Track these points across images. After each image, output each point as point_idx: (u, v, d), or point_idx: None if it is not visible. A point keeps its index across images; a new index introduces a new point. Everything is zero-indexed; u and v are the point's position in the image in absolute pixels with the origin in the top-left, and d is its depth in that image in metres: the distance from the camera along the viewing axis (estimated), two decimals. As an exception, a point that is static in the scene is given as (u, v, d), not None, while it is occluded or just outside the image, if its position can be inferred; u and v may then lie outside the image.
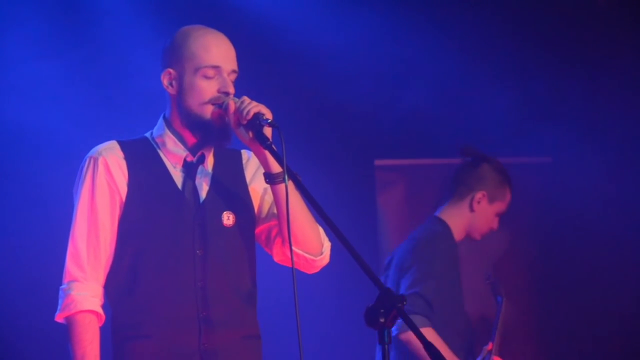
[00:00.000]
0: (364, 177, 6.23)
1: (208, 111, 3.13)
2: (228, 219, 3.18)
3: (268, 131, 3.03)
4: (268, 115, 3.02)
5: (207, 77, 3.13)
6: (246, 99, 3.06)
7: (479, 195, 4.60)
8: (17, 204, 5.34)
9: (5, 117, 5.40)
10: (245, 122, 3.03)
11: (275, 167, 3.09)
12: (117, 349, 3.14)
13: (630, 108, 6.08)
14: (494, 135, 6.14)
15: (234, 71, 3.17)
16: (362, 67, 6.02)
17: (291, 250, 3.01)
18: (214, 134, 3.14)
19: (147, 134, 3.26)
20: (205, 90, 3.13)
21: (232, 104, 3.07)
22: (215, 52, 3.14)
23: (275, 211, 3.21)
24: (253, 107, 3.02)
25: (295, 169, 2.97)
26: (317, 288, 5.04)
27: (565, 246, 6.22)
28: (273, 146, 3.02)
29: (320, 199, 2.85)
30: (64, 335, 3.13)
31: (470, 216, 4.61)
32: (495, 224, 4.67)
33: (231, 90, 3.13)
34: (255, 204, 3.25)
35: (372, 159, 6.28)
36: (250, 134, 3.04)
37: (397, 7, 6.02)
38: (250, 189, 3.25)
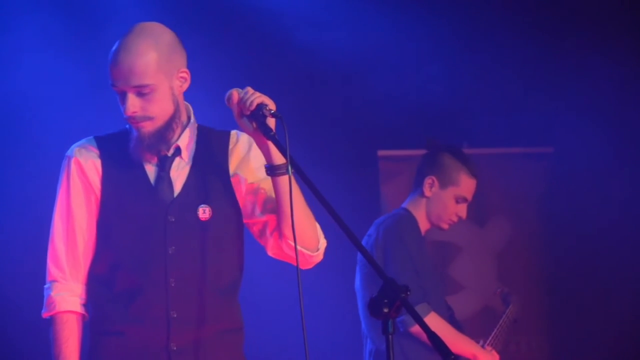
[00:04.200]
0: (367, 168, 6.24)
1: (134, 128, 3.10)
2: (204, 212, 3.12)
3: (271, 122, 3.00)
4: (271, 106, 2.99)
5: (120, 98, 3.07)
6: (250, 90, 3.03)
7: (428, 180, 4.62)
8: (20, 204, 5.35)
9: (12, 116, 5.43)
10: (248, 112, 2.99)
11: (278, 159, 3.06)
12: (92, 342, 3.15)
13: (633, 96, 6.07)
14: (496, 125, 6.15)
15: (137, 86, 3.03)
16: (366, 58, 6.03)
17: (296, 248, 2.97)
18: (145, 144, 3.09)
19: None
20: (123, 108, 3.07)
21: (235, 95, 3.03)
22: (112, 73, 3.05)
23: (271, 205, 3.17)
24: (256, 97, 2.98)
25: (299, 160, 2.95)
26: (319, 281, 5.06)
27: (568, 236, 6.23)
28: (276, 137, 3.02)
29: (323, 189, 2.84)
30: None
31: (426, 202, 4.63)
32: (460, 210, 4.65)
33: (128, 111, 3.03)
34: (240, 195, 3.18)
35: (376, 150, 6.29)
36: (254, 125, 3.02)
37: (402, 1, 6.02)
38: (232, 180, 3.18)
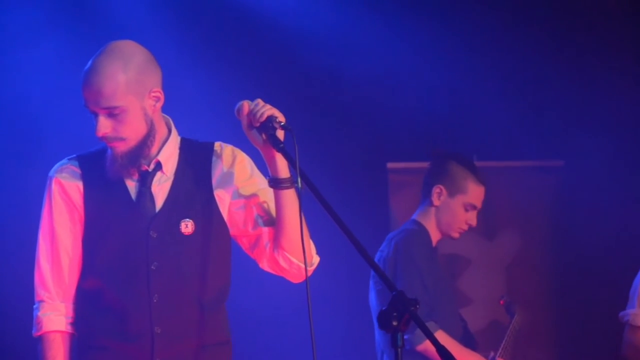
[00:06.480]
0: (376, 180, 6.23)
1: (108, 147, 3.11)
2: (187, 227, 3.12)
3: (281, 134, 3.00)
4: (281, 118, 3.00)
5: (93, 118, 3.07)
6: (260, 102, 3.03)
7: (436, 189, 4.62)
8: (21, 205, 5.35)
9: (22, 118, 5.44)
10: (258, 124, 3.00)
11: (283, 172, 3.06)
12: (78, 356, 3.17)
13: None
14: (506, 138, 6.14)
15: (107, 108, 3.04)
16: (376, 70, 6.03)
17: (305, 259, 2.97)
18: (119, 163, 3.10)
19: None
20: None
21: (245, 106, 3.04)
22: (83, 93, 3.06)
23: (264, 219, 3.17)
24: (267, 109, 2.99)
25: (308, 172, 2.95)
26: (328, 291, 5.05)
27: (577, 250, 6.21)
28: (285, 149, 3.00)
29: (332, 201, 2.83)
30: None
31: (435, 211, 4.62)
32: (469, 218, 4.63)
33: (99, 132, 3.04)
34: (224, 209, 3.17)
35: (385, 162, 6.28)
36: (263, 136, 3.01)
37: (411, 13, 6.02)
38: (216, 193, 3.16)
